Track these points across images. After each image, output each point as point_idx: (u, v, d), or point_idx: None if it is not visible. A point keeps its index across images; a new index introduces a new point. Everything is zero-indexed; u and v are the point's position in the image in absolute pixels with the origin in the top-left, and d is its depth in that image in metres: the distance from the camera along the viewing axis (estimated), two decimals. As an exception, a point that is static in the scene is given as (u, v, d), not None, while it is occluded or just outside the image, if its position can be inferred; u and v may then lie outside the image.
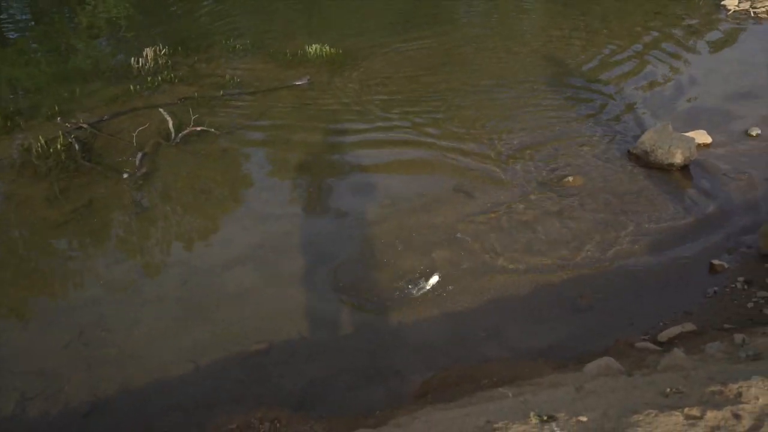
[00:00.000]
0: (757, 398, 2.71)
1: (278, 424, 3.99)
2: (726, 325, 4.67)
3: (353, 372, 4.61)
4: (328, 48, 10.55)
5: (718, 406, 2.70)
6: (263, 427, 4.03)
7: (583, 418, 2.78)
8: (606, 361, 3.65)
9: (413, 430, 3.23)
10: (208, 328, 5.08)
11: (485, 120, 8.18)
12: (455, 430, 2.91)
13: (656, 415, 2.68)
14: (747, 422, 2.58)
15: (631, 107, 8.44)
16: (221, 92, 9.22)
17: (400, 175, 7.09)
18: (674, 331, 4.59)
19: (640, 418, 2.68)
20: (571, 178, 6.78)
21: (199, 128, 8.05)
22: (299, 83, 9.55)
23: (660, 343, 4.51)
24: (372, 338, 4.89)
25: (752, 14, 11.22)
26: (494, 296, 5.22)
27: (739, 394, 2.77)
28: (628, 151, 7.28)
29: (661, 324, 4.83)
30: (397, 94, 9.09)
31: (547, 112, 8.40)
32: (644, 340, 4.60)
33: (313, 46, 10.55)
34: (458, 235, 5.97)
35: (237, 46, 11.00)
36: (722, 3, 11.77)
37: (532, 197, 6.52)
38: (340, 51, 10.59)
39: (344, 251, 5.87)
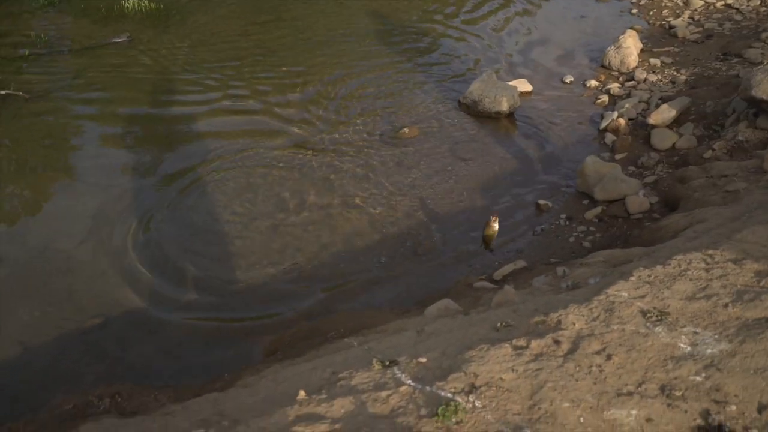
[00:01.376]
0: (574, 324, 2.96)
1: (119, 399, 3.75)
2: (552, 259, 5.07)
3: (200, 337, 4.45)
4: (147, 2, 9.80)
5: (541, 335, 2.91)
6: (103, 404, 3.77)
7: (423, 359, 2.88)
8: (445, 303, 3.81)
9: (260, 387, 3.18)
10: (37, 307, 4.65)
11: (320, 78, 8.08)
12: (302, 384, 2.90)
13: (488, 349, 2.83)
14: (566, 346, 2.81)
15: (460, 57, 8.75)
16: (27, 52, 8.26)
17: (236, 141, 6.84)
18: (508, 269, 4.90)
19: (474, 353, 2.82)
20: (407, 129, 6.92)
21: (3, 92, 7.19)
22: (118, 41, 8.81)
23: (496, 282, 4.80)
24: (217, 301, 4.74)
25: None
26: (338, 249, 5.25)
27: (559, 322, 3.00)
28: (459, 101, 7.57)
29: (497, 263, 5.14)
30: (226, 52, 8.69)
31: (381, 65, 8.47)
32: (482, 279, 4.87)
33: (130, 1, 9.75)
34: (299, 191, 5.91)
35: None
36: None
37: (371, 150, 6.59)
38: (161, 5, 9.89)
39: (176, 220, 5.60)
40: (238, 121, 7.17)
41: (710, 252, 3.47)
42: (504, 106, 7.20)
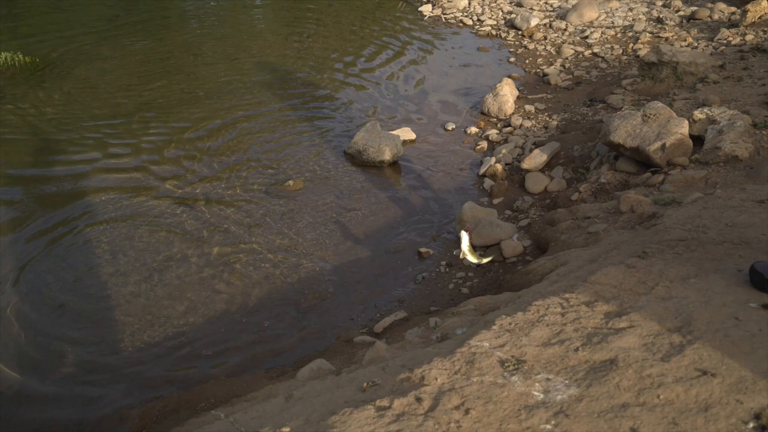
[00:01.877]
0: (436, 378, 2.99)
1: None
2: (432, 308, 5.14)
3: (61, 414, 4.15)
4: (21, 56, 9.40)
5: (404, 393, 2.92)
6: None
7: (286, 429, 2.81)
8: (318, 363, 3.76)
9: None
10: None
11: (202, 132, 7.98)
12: (160, 469, 2.75)
13: (351, 413, 2.80)
14: (427, 403, 2.83)
15: (347, 106, 8.90)
16: None
17: (110, 198, 6.59)
18: (388, 321, 4.91)
19: (337, 419, 2.78)
20: (291, 182, 6.91)
21: None
22: (-14, 98, 8.38)
23: (377, 335, 4.79)
24: (76, 371, 4.46)
25: (443, 20, 12.57)
26: (216, 309, 5.10)
27: (423, 378, 3.02)
28: (344, 151, 7.67)
29: (378, 315, 5.15)
30: (106, 108, 8.44)
31: (268, 117, 8.48)
32: (363, 333, 4.85)
33: (2, 55, 9.32)
34: (173, 250, 5.73)
35: None
36: (420, 9, 13.01)
37: (253, 204, 6.52)
38: (38, 59, 9.52)
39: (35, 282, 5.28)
40: (114, 179, 6.93)
41: (567, 295, 3.63)
42: (387, 156, 7.35)
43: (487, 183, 7.02)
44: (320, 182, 7.03)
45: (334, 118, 8.57)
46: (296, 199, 6.67)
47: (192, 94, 8.99)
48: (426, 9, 12.97)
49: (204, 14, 13.25)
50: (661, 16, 11.42)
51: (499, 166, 7.12)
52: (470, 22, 12.43)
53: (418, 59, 10.83)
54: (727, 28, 9.75)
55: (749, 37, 8.91)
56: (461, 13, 12.75)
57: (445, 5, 13.10)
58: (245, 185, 6.86)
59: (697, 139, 5.90)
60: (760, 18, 9.25)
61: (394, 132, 7.80)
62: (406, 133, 8.00)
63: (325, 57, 10.69)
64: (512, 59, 10.86)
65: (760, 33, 8.98)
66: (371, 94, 9.42)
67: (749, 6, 9.34)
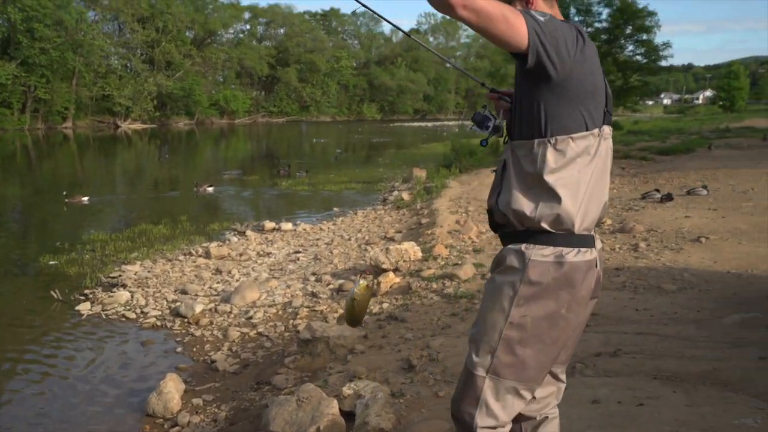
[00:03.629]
0: None
1: None
2: None
3: None
4: None
5: None
6: None
7: None
8: None
9: None
10: None
11: None
12: None
13: None
14: None
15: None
16: None
17: None
18: None
19: None
20: None
21: None
22: None
23: None
24: None
25: (104, 316, 12.01)
26: None
27: None
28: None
29: None
30: None
31: None
32: None
33: None
34: None
35: None
36: (77, 308, 12.29)
37: None
38: None
39: None
40: None
41: None
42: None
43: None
44: None
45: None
46: None
47: None
48: (84, 307, 12.31)
49: None
50: (314, 290, 12.62)
51: (163, 479, 6.47)
52: (134, 316, 12.06)
53: (65, 370, 9.91)
54: (368, 297, 11.12)
55: (385, 306, 10.26)
56: (123, 308, 12.36)
57: (106, 301, 12.63)
58: None
59: (350, 415, 6.21)
60: (391, 287, 10.80)
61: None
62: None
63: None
64: (179, 349, 10.62)
65: (393, 301, 10.43)
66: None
67: (381, 278, 10.90)
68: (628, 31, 41.26)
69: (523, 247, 2.96)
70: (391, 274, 10.91)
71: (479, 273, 11.16)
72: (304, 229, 19.26)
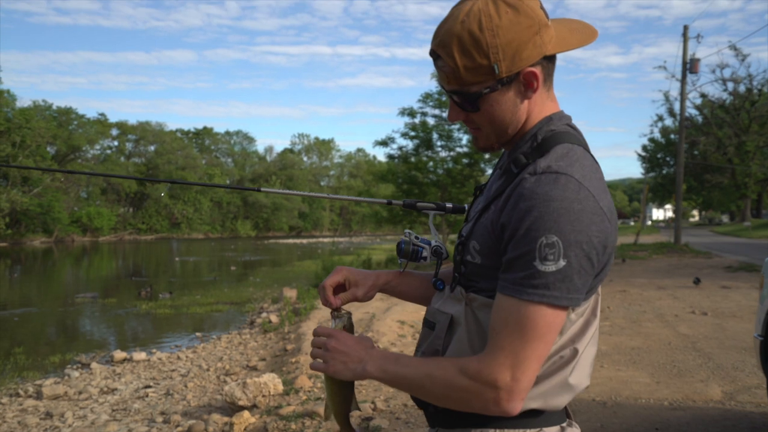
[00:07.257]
0: None
1: None
2: None
3: None
4: None
5: None
6: None
7: None
8: None
9: None
10: None
11: None
12: None
13: None
14: None
15: None
16: None
17: None
18: None
19: None
20: None
21: None
22: None
23: None
24: None
25: None
26: None
27: None
28: None
29: None
30: None
31: None
32: None
33: None
34: None
35: None
36: None
37: None
38: None
39: None
40: None
41: None
42: None
43: None
44: None
45: None
46: None
47: None
48: None
49: None
50: (161, 434, 11.12)
51: None
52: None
53: None
54: (220, 441, 9.90)
55: (238, 450, 9.09)
56: None
57: None
58: None
59: None
60: (245, 429, 9.69)
61: None
62: None
63: None
64: None
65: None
66: None
67: (234, 419, 9.78)
68: (487, 156, 43.84)
69: None
70: (246, 413, 9.80)
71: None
72: (159, 359, 17.56)
